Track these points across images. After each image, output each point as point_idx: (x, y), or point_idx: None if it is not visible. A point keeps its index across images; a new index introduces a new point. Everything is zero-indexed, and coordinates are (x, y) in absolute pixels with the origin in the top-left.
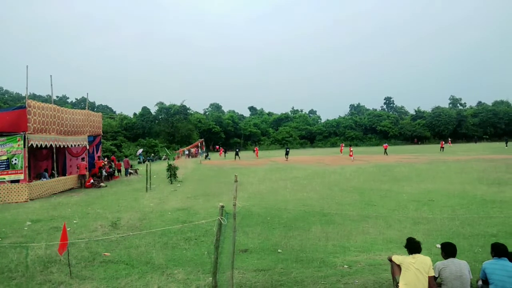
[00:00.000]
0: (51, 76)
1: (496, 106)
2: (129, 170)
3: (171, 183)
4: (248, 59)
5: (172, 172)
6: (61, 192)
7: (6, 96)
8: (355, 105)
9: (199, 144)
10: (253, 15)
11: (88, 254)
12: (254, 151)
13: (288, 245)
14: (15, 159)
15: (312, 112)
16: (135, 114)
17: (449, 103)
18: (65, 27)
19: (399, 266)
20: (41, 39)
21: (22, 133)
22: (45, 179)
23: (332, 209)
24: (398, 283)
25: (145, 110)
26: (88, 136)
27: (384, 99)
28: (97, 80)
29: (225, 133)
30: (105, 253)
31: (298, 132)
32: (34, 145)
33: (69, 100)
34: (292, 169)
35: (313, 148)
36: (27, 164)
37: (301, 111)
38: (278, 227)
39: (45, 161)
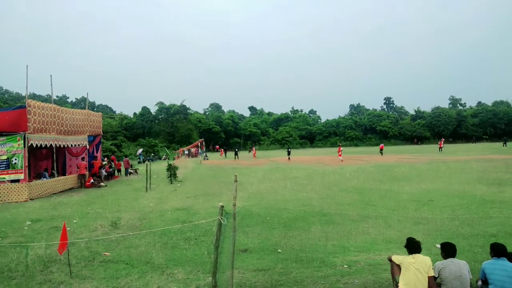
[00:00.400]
0: (51, 75)
1: (496, 107)
2: (129, 170)
3: (171, 183)
4: (248, 59)
5: (172, 172)
6: (61, 191)
7: (6, 96)
8: (355, 105)
9: (199, 144)
10: (253, 14)
11: (88, 254)
12: (249, 151)
13: (288, 245)
14: (15, 159)
15: (312, 112)
16: (135, 114)
17: (449, 103)
18: (65, 26)
19: (399, 266)
20: (41, 39)
21: (22, 132)
22: (45, 179)
23: (332, 209)
24: (397, 283)
25: (145, 110)
26: (88, 136)
27: (384, 99)
28: (97, 79)
29: (225, 133)
30: (105, 253)
31: (298, 132)
32: (34, 145)
33: (69, 100)
34: (292, 169)
35: (313, 148)
36: (27, 164)
37: (301, 111)
38: (278, 227)
39: (45, 161)
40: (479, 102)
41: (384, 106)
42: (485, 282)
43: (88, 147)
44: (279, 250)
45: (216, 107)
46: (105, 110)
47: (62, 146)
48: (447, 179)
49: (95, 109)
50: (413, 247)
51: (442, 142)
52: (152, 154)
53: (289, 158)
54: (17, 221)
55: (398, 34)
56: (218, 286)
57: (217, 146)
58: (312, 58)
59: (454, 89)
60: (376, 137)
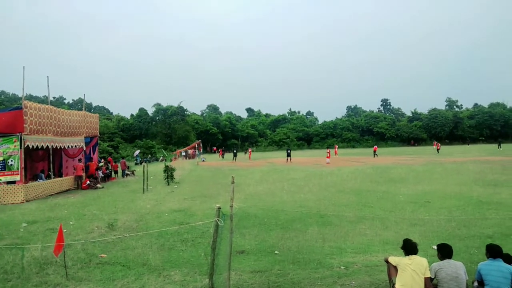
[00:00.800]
0: (47, 77)
1: (492, 108)
2: (126, 172)
3: (168, 185)
4: (245, 61)
5: (169, 173)
6: (58, 193)
7: (3, 97)
8: (352, 106)
9: (196, 146)
10: (251, 16)
11: (85, 256)
12: (245, 152)
13: (285, 246)
14: (11, 160)
15: (309, 113)
16: (132, 115)
17: (446, 105)
18: (63, 27)
19: (395, 267)
20: (38, 40)
21: (18, 134)
22: (41, 180)
23: (329, 210)
24: (394, 284)
25: (142, 111)
26: (85, 137)
27: (381, 101)
28: (94, 81)
29: (222, 135)
30: (102, 255)
31: (295, 133)
32: (31, 146)
33: (66, 101)
34: (289, 171)
35: (310, 150)
36: (23, 165)
37: (299, 112)
38: (275, 229)
39: (41, 162)
40: (476, 104)
41: (381, 108)
42: (481, 283)
43: (84, 149)
44: (276, 252)
45: (213, 108)
46: (102, 112)
47: (58, 147)
48: (443, 181)
49: (92, 111)
50: (409, 248)
51: (440, 145)
52: (149, 156)
53: (288, 159)
54: (13, 222)
55: (395, 37)
56: None
57: (215, 148)
58: (309, 59)
59: (450, 91)
60: (373, 139)
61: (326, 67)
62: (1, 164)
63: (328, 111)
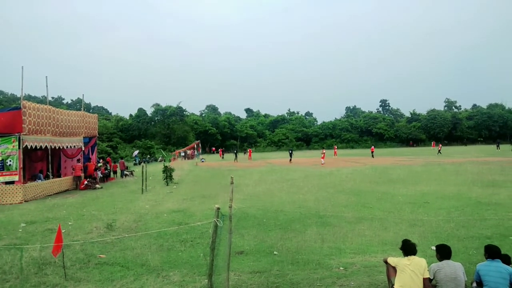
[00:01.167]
0: (46, 77)
1: (490, 109)
2: (125, 172)
3: (167, 185)
4: (244, 61)
5: (168, 173)
6: (56, 193)
7: (1, 97)
8: (351, 107)
9: (195, 146)
10: (250, 17)
11: (83, 256)
12: (245, 152)
13: (284, 247)
14: (10, 160)
15: (308, 114)
16: (131, 115)
17: (444, 106)
18: (62, 27)
19: (394, 268)
20: (37, 40)
21: (17, 134)
22: (40, 181)
23: (328, 211)
24: (393, 285)
25: (141, 111)
26: (84, 137)
27: (380, 102)
28: (93, 81)
29: (221, 135)
30: (100, 255)
31: (294, 134)
32: (29, 146)
33: (64, 101)
34: (288, 171)
35: (309, 150)
36: (21, 166)
37: (297, 113)
38: (274, 229)
39: (40, 163)
40: (474, 105)
41: (380, 109)
42: (480, 283)
43: (83, 149)
44: (275, 252)
45: (212, 109)
46: (101, 112)
47: (57, 147)
48: (442, 181)
49: (91, 111)
50: (408, 249)
51: (441, 146)
52: (148, 156)
53: (290, 160)
54: (12, 223)
55: (394, 38)
56: None
57: (213, 148)
58: (308, 60)
59: (449, 92)
60: (372, 139)
61: (325, 67)
62: (0, 164)
63: (327, 112)
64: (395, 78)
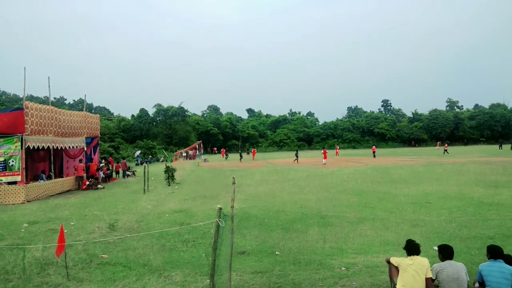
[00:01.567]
0: (48, 77)
1: (492, 109)
2: (127, 172)
3: (169, 185)
4: (246, 61)
5: (170, 174)
6: (59, 193)
7: (4, 98)
8: (353, 107)
9: (197, 146)
10: (250, 17)
11: (86, 256)
12: (248, 152)
13: (286, 247)
14: (12, 161)
15: (310, 114)
16: (133, 115)
17: (446, 106)
18: (62, 27)
19: (397, 268)
20: (37, 40)
21: (19, 134)
22: (42, 181)
23: (330, 211)
24: (395, 284)
25: (143, 111)
26: (86, 137)
27: (382, 102)
28: (95, 81)
29: (223, 135)
30: (103, 255)
31: (296, 134)
32: (32, 147)
33: (66, 102)
34: (290, 171)
35: (311, 150)
36: (24, 166)
37: (299, 113)
38: (275, 229)
39: (42, 163)
40: (476, 105)
41: (382, 109)
42: (482, 284)
43: (85, 149)
44: (277, 252)
45: (214, 109)
46: (103, 112)
47: (59, 148)
48: (444, 181)
49: (93, 111)
50: (412, 249)
51: (447, 145)
52: (150, 156)
53: (296, 160)
54: (14, 223)
55: (395, 37)
56: None
57: (215, 148)
58: (308, 60)
59: (451, 91)
60: (374, 139)
61: (325, 67)
62: (2, 165)
63: (329, 112)
64: (396, 78)
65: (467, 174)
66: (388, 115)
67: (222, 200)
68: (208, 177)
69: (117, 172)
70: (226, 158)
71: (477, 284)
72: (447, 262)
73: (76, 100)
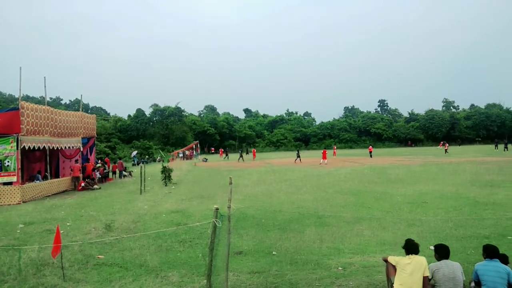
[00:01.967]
0: (44, 77)
1: (488, 109)
2: (123, 172)
3: (166, 185)
4: (243, 62)
5: (166, 174)
6: (55, 194)
7: None
8: (350, 107)
9: (194, 146)
10: (250, 17)
11: (82, 257)
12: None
13: (283, 247)
14: (8, 161)
15: (306, 114)
16: (129, 116)
17: (442, 106)
18: (61, 27)
19: (394, 267)
20: (36, 40)
21: (15, 134)
22: (38, 181)
23: (327, 211)
24: (393, 283)
25: (140, 112)
26: (82, 138)
27: (378, 102)
28: (91, 81)
29: (220, 135)
30: (99, 256)
31: (293, 134)
32: (27, 147)
33: (62, 102)
34: (287, 171)
35: (308, 150)
36: (20, 166)
37: (296, 113)
38: (272, 229)
39: (38, 163)
40: (472, 105)
41: (378, 109)
42: (478, 283)
43: (82, 149)
44: (274, 253)
45: (211, 109)
46: (99, 112)
47: (55, 148)
48: (440, 181)
49: (89, 111)
50: (411, 248)
51: (448, 145)
52: (147, 156)
53: (297, 160)
54: (10, 224)
55: (395, 37)
56: None
57: (212, 148)
58: (307, 60)
59: (447, 92)
60: (371, 139)
61: (324, 67)
62: None
63: (326, 112)
64: (394, 78)
65: (463, 174)
66: (384, 115)
67: (219, 200)
68: (205, 177)
69: (114, 173)
70: (226, 159)
71: (473, 284)
72: (443, 261)
73: (72, 100)
